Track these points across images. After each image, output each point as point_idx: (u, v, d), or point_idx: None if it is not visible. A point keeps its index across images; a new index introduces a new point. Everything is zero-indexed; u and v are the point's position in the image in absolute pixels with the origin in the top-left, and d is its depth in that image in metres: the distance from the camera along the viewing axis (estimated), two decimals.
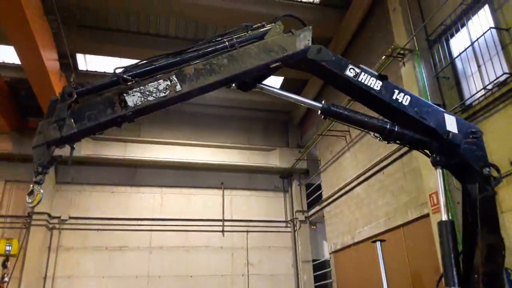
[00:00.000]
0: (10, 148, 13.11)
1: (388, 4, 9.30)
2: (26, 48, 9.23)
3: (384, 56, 8.83)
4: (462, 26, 7.61)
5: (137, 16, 11.41)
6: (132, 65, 3.28)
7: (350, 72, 3.65)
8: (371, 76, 3.68)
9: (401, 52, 8.42)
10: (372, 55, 10.35)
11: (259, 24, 3.64)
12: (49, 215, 13.00)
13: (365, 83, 3.66)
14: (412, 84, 8.15)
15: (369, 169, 10.58)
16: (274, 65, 3.45)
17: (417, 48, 8.30)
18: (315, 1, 11.21)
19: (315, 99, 13.36)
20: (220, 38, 3.48)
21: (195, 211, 14.47)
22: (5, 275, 10.02)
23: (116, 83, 3.18)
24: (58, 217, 13.28)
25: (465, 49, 7.49)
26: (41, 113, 11.74)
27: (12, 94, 12.39)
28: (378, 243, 7.87)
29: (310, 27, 3.61)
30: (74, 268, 12.95)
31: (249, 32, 3.59)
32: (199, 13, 10.75)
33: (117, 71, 3.18)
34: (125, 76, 3.15)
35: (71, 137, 3.07)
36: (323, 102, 3.75)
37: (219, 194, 15.01)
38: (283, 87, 12.47)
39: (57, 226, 13.24)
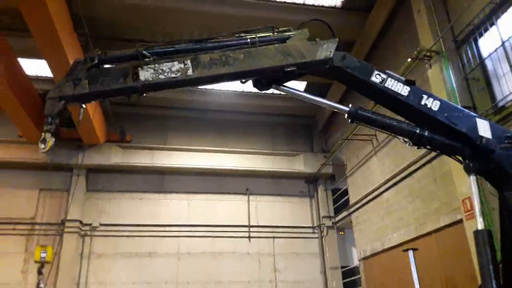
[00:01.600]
0: (43, 157, 13.56)
1: (412, 6, 9.14)
2: (57, 62, 9.56)
3: (409, 59, 8.67)
4: (491, 25, 7.40)
5: (163, 28, 11.62)
6: (155, 43, 3.48)
7: (376, 78, 3.61)
8: (398, 82, 3.62)
9: (427, 54, 8.25)
10: (397, 57, 10.19)
11: (286, 28, 3.67)
12: (81, 222, 13.36)
13: (392, 88, 3.60)
14: (440, 87, 7.96)
15: (397, 174, 10.38)
16: (289, 69, 3.44)
17: (444, 50, 8.11)
18: (336, 5, 11.14)
19: (339, 103, 13.47)
20: (243, 34, 3.56)
21: (221, 217, 14.55)
22: (41, 282, 10.32)
23: (135, 58, 3.39)
24: (90, 224, 13.63)
25: (496, 49, 7.27)
26: (73, 124, 12.30)
27: (44, 104, 12.83)
28: (410, 252, 7.67)
29: (337, 39, 3.56)
30: (105, 275, 13.22)
31: (274, 33, 3.63)
32: (224, 23, 10.84)
33: (141, 48, 3.39)
34: (144, 52, 3.33)
35: (82, 96, 3.29)
36: (350, 105, 3.69)
37: (245, 200, 15.05)
38: (306, 91, 12.34)
39: (88, 233, 13.58)
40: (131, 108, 14.72)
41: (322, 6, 11.03)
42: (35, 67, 12.56)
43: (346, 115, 3.72)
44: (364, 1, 10.95)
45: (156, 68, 3.26)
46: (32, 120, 11.83)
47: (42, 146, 3.18)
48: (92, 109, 11.90)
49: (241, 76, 3.48)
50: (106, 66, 3.46)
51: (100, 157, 13.95)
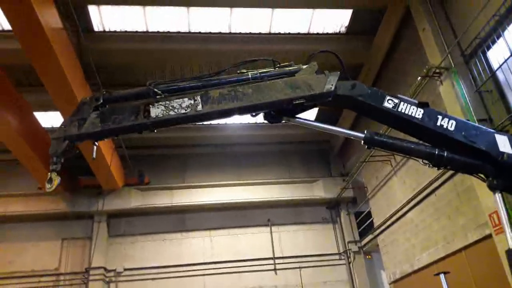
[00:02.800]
0: (64, 207, 13.77)
1: (416, 25, 9.20)
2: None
3: (419, 77, 8.66)
4: (498, 37, 7.37)
5: (172, 68, 11.86)
6: (162, 81, 3.58)
7: (388, 104, 3.59)
8: (411, 105, 3.60)
9: (437, 71, 8.24)
10: (406, 77, 10.19)
11: (287, 63, 3.72)
12: (105, 269, 13.32)
13: (406, 112, 3.57)
14: (453, 102, 7.89)
15: (419, 193, 10.17)
16: (298, 101, 3.45)
17: (453, 65, 8.09)
18: (341, 31, 11.30)
19: (352, 127, 13.50)
20: (245, 71, 3.62)
21: (245, 251, 14.36)
22: None
23: (141, 96, 3.49)
24: (114, 270, 13.59)
25: (506, 60, 7.21)
26: (90, 172, 12.49)
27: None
28: (442, 276, 7.38)
29: (338, 72, 3.59)
30: None
31: (276, 68, 3.68)
32: (231, 58, 10.99)
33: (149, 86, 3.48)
34: (155, 89, 3.42)
35: (95, 134, 3.35)
36: (365, 131, 3.65)
37: (267, 231, 14.85)
38: (318, 117, 12.45)
39: (113, 279, 13.52)
40: (147, 150, 14.92)
41: (327, 34, 11.21)
42: (51, 119, 12.89)
43: (362, 141, 3.69)
44: (368, 25, 11.08)
45: (166, 105, 3.33)
46: None
47: (48, 185, 3.23)
48: (109, 155, 12.10)
49: (250, 110, 3.52)
50: (119, 104, 3.55)
51: (120, 202, 14.06)
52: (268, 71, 3.66)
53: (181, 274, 13.70)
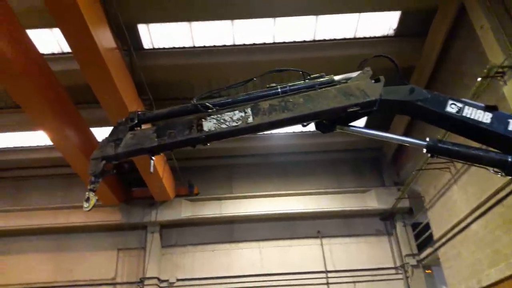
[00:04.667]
0: (120, 218, 14.27)
1: (473, 23, 8.63)
2: None
3: (479, 78, 8.07)
4: None
5: (217, 81, 12.01)
6: (207, 93, 3.66)
7: (451, 108, 3.32)
8: (477, 109, 3.29)
9: (500, 70, 7.64)
10: (463, 78, 9.56)
11: (317, 75, 3.60)
12: (158, 279, 13.58)
13: (472, 117, 3.27)
14: None
15: (484, 202, 9.41)
16: (352, 109, 3.30)
17: None
18: (389, 34, 10.89)
19: (406, 132, 12.88)
20: (274, 84, 3.57)
21: (295, 264, 14.03)
22: None
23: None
24: (167, 280, 13.80)
25: None
26: (144, 184, 12.86)
27: (117, 169, 13.59)
28: None
29: (383, 79, 3.41)
30: None
31: (306, 80, 3.57)
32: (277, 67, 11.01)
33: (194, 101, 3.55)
34: (207, 103, 3.45)
35: (153, 149, 3.40)
36: (428, 139, 3.38)
37: (317, 243, 14.45)
38: (367, 124, 12.00)
39: None
40: (194, 161, 15.14)
41: (374, 37, 10.85)
42: (106, 135, 13.43)
43: (424, 150, 3.41)
44: (418, 26, 10.59)
45: (218, 118, 3.34)
46: (107, 185, 12.55)
47: (86, 205, 3.27)
48: (161, 167, 12.41)
49: (302, 120, 3.41)
50: (173, 119, 3.56)
51: (171, 213, 14.35)
52: (321, 80, 3.52)
53: (231, 286, 13.65)
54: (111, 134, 3.53)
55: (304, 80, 3.59)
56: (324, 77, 3.56)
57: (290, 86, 3.52)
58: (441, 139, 3.39)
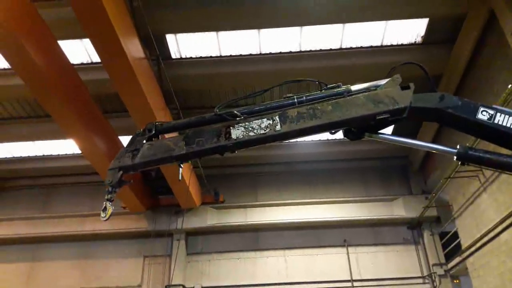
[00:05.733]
0: (146, 226, 14.51)
1: (503, 29, 8.47)
2: None
3: (510, 85, 7.90)
4: None
5: (243, 90, 12.15)
6: (224, 104, 3.72)
7: (483, 115, 3.27)
8: (510, 116, 3.25)
9: None
10: (493, 85, 9.38)
11: (335, 84, 3.61)
12: (183, 286, 13.70)
13: (504, 124, 3.23)
14: None
15: None
16: (382, 116, 3.29)
17: None
18: (417, 41, 10.79)
19: (435, 139, 12.63)
20: (291, 95, 3.58)
21: (321, 272, 13.92)
22: None
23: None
24: None
25: None
26: (170, 192, 13.06)
27: (144, 177, 13.92)
28: None
29: (413, 86, 3.40)
30: None
31: (322, 90, 3.57)
32: (305, 76, 11.03)
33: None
34: (235, 111, 3.48)
35: (182, 156, 3.43)
36: (458, 146, 3.33)
37: (343, 252, 14.31)
38: (394, 131, 11.84)
39: None
40: (221, 169, 15.29)
41: (402, 45, 10.77)
42: None
43: (455, 157, 3.38)
44: (446, 33, 10.48)
45: (246, 126, 3.37)
46: (134, 192, 12.81)
47: (103, 214, 3.34)
48: (187, 175, 12.59)
49: (330, 127, 3.42)
50: (202, 128, 3.61)
51: (197, 220, 14.50)
52: (337, 91, 3.54)
53: None
54: (128, 145, 3.58)
55: (320, 90, 3.61)
56: (341, 87, 3.57)
57: (306, 96, 3.53)
58: (471, 147, 3.35)
